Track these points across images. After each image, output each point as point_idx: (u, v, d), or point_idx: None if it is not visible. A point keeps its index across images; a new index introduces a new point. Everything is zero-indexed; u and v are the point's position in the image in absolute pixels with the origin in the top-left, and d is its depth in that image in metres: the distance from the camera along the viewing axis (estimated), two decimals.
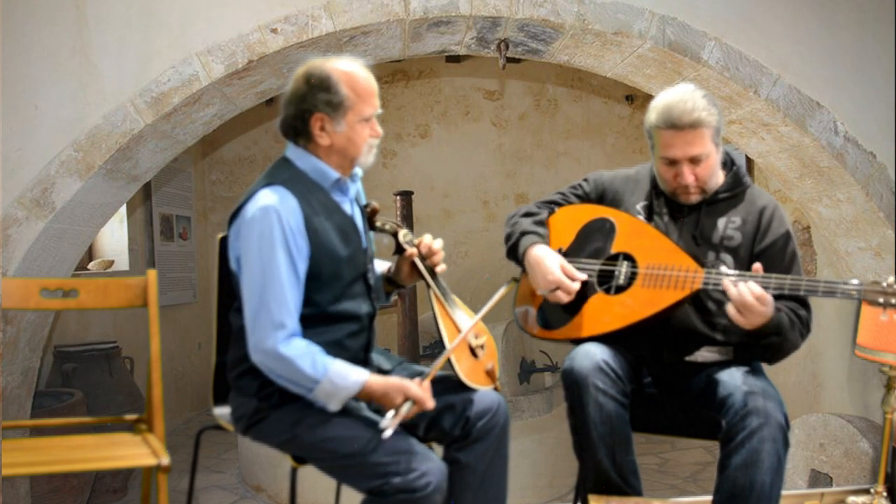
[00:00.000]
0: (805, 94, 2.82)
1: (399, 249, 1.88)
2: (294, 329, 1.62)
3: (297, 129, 1.72)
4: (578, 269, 1.93)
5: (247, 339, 1.64)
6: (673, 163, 1.86)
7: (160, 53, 2.63)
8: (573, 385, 1.80)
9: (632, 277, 1.90)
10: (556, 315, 1.99)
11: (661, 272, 1.85)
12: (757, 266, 1.75)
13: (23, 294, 1.92)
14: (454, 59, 5.82)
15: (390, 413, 1.60)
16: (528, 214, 2.07)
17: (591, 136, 6.11)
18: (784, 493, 1.78)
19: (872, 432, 2.77)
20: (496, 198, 6.10)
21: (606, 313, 1.91)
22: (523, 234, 2.01)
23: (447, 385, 1.78)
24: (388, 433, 1.57)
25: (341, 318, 1.73)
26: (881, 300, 1.64)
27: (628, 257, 1.93)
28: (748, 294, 1.69)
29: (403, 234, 1.87)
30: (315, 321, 1.69)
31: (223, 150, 6.00)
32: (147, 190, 4.85)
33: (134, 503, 3.63)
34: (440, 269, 1.88)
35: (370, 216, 1.86)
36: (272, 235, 1.61)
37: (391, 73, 6.00)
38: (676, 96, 1.85)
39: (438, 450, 1.77)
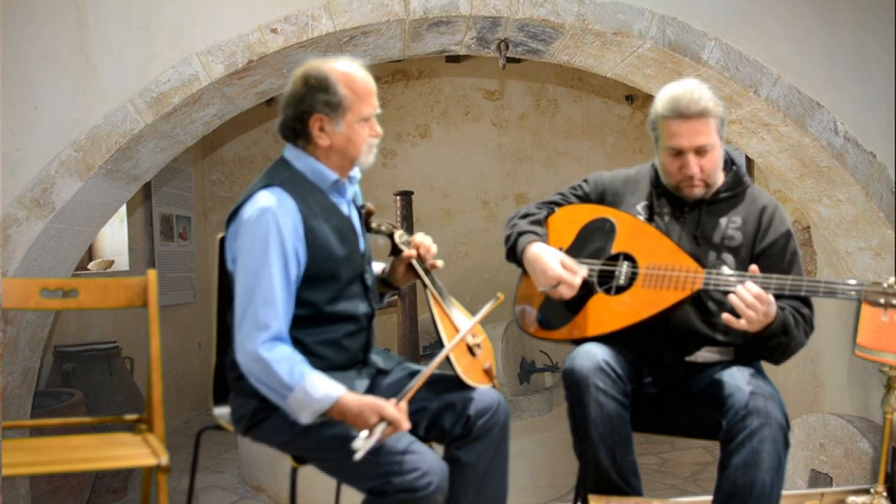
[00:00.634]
0: (805, 94, 2.82)
1: (395, 250, 1.88)
2: (279, 332, 1.60)
3: (297, 130, 1.71)
4: None
5: (233, 340, 1.63)
6: (679, 153, 1.86)
7: (160, 53, 2.63)
8: (574, 385, 1.80)
9: (632, 277, 1.90)
10: (557, 315, 1.99)
11: (662, 272, 1.85)
12: (753, 268, 1.75)
13: (23, 294, 1.92)
14: (454, 59, 5.82)
15: (363, 433, 1.51)
16: (525, 215, 2.08)
17: (591, 136, 6.11)
18: (784, 493, 1.78)
19: (872, 432, 2.77)
20: (496, 198, 6.10)
21: (607, 313, 1.90)
22: (521, 234, 2.01)
23: (447, 384, 1.78)
24: (359, 455, 1.48)
25: (339, 318, 1.73)
26: (882, 301, 1.64)
27: (629, 257, 1.93)
28: (749, 294, 1.69)
29: (399, 235, 1.87)
30: (313, 321, 1.69)
31: (223, 150, 6.00)
32: (147, 190, 4.85)
33: (134, 503, 3.63)
34: (439, 263, 1.88)
35: (366, 217, 1.86)
36: (267, 238, 1.61)
37: (391, 73, 6.00)
38: (683, 87, 1.87)
39: (439, 449, 1.77)
